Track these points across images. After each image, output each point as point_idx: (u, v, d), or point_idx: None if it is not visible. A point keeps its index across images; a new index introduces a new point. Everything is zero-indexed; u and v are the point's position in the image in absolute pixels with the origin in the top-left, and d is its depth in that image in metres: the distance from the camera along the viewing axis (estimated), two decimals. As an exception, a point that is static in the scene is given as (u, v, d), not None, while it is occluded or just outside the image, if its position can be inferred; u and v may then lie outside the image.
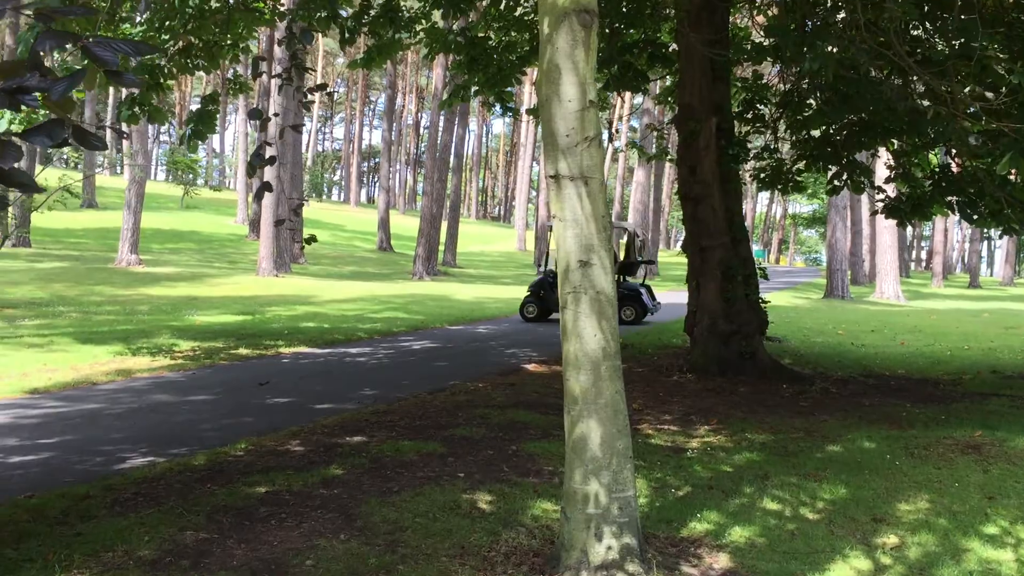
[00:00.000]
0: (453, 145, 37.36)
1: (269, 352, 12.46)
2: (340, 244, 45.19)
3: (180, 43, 10.60)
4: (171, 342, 12.82)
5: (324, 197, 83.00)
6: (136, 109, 10.90)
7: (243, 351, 12.32)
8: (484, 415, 8.31)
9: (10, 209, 18.11)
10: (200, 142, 10.35)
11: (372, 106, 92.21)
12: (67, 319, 15.24)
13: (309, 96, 7.98)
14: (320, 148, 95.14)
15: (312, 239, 7.09)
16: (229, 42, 11.43)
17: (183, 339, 13.19)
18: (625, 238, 19.06)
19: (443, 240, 37.42)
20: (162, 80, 9.85)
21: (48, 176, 22.55)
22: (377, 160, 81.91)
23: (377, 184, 73.14)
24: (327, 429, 7.50)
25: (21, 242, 28.21)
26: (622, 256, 18.52)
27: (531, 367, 11.97)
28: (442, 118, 35.09)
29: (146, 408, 8.37)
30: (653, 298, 18.27)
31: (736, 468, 6.53)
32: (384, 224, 44.26)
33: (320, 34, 62.15)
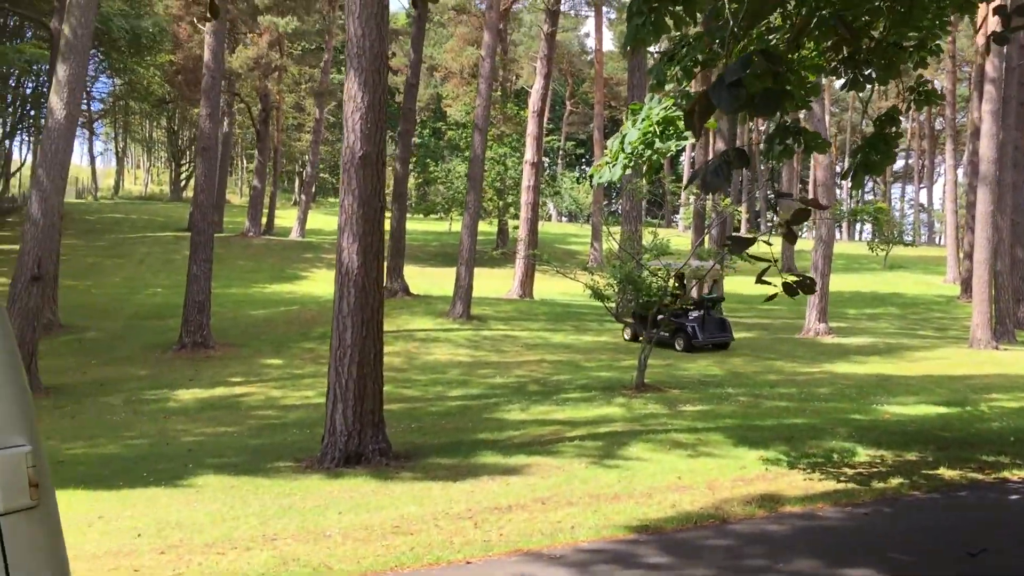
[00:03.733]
0: None
1: (986, 476, 8.40)
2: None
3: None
4: (845, 447, 9.62)
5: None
6: (789, 141, 8.15)
7: (945, 472, 8.49)
8: None
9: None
10: (871, 176, 7.10)
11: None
12: (733, 404, 13.11)
13: None
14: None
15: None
16: (913, 42, 8.07)
17: (863, 443, 9.87)
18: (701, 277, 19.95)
19: None
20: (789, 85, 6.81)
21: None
22: None
23: None
24: None
25: (713, 311, 27.73)
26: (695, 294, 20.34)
27: None
28: None
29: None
30: (725, 331, 19.97)
31: None
32: None
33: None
